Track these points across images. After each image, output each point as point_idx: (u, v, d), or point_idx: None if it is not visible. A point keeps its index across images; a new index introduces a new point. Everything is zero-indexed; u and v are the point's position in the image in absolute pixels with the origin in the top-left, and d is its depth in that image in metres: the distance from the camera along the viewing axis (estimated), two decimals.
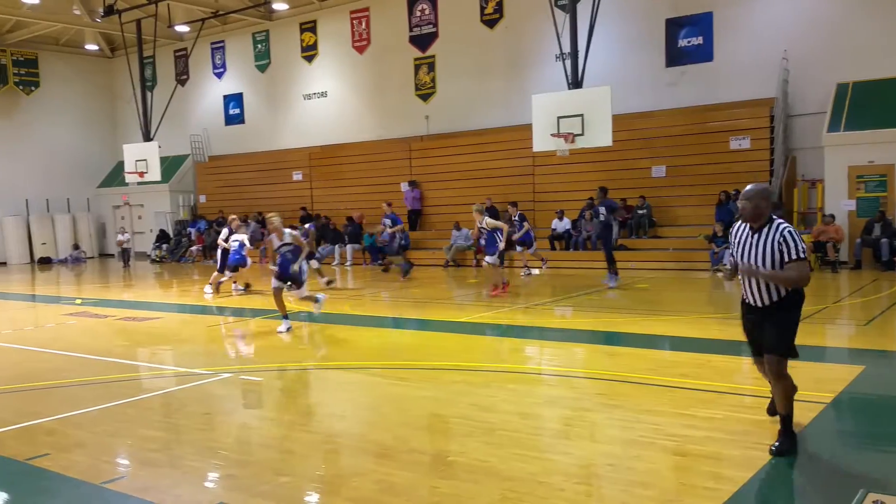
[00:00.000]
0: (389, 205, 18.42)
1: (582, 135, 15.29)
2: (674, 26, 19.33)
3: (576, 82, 16.05)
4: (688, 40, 19.19)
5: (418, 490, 4.64)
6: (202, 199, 29.09)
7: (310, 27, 25.94)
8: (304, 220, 24.49)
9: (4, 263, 28.46)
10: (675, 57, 19.37)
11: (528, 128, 16.86)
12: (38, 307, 16.29)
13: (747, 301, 5.26)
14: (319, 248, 23.39)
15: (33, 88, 29.80)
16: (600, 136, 15.18)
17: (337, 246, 22.50)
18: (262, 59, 27.38)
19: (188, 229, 27.72)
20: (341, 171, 25.03)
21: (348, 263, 21.68)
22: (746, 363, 7.20)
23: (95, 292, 17.79)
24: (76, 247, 29.03)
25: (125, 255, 25.89)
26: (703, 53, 19.04)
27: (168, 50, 29.01)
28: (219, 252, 15.80)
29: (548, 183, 20.74)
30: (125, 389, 7.76)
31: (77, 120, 31.19)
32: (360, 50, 24.77)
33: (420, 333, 10.76)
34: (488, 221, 14.08)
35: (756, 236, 5.07)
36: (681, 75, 19.41)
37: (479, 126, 22.32)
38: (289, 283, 10.74)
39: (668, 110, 19.47)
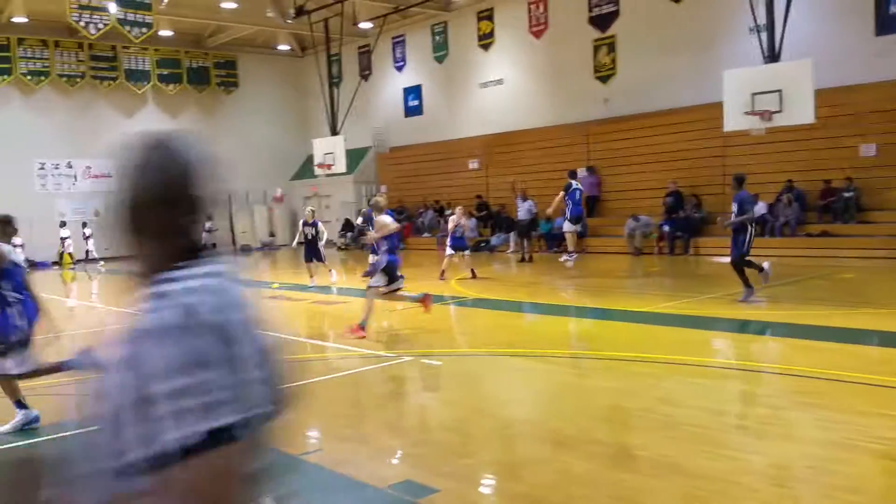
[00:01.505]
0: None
1: (780, 112, 14.21)
2: None
3: (772, 56, 14.94)
4: None
5: (601, 482, 4.50)
6: (383, 189, 30.22)
7: (487, 15, 26.07)
8: (479, 208, 24.79)
9: None
10: (886, 24, 17.49)
11: (717, 106, 15.92)
12: None
13: None
14: (493, 237, 23.55)
15: (233, 88, 32.28)
16: (801, 112, 14.04)
17: (512, 234, 22.51)
18: (440, 50, 27.90)
19: None
20: (517, 159, 25.00)
21: (525, 251, 21.62)
22: None
23: (289, 277, 18.98)
24: (272, 234, 31.27)
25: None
26: None
27: (352, 47, 30.30)
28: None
29: (741, 164, 19.43)
30: (318, 368, 8.18)
31: (271, 116, 33.40)
32: (538, 35, 24.55)
33: (600, 322, 10.49)
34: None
35: None
36: (893, 44, 17.51)
37: (663, 106, 21.40)
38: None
39: (879, 83, 17.62)
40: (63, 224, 26.60)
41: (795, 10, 14.95)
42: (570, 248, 15.88)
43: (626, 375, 7.15)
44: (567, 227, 16.12)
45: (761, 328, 9.42)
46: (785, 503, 4.17)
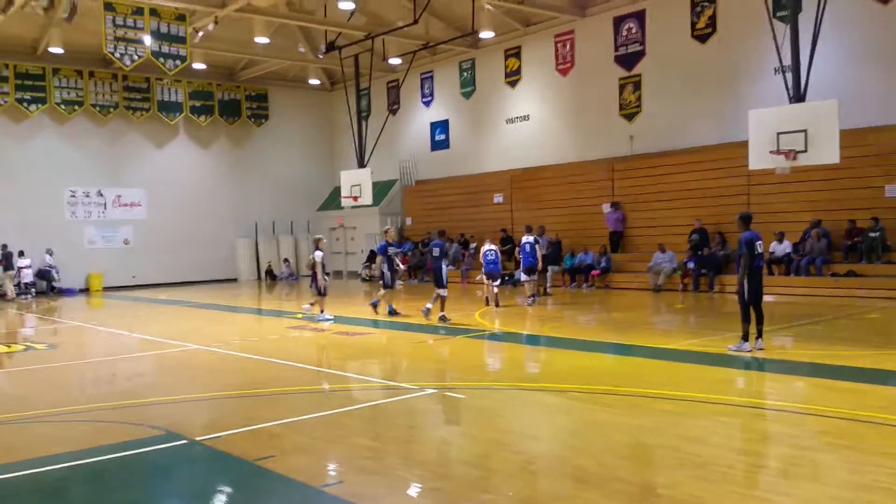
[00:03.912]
0: (530, 230, 18.33)
1: (805, 151, 14.19)
2: None
3: (797, 96, 14.96)
4: None
5: None
6: (409, 221, 30.40)
7: (514, 53, 26.39)
8: (503, 242, 24.82)
9: (236, 280, 31.44)
10: None
11: (742, 145, 15.92)
12: (263, 320, 17.77)
13: None
14: (517, 272, 23.55)
15: (263, 121, 32.80)
16: (826, 152, 14.00)
17: None
18: (468, 86, 28.22)
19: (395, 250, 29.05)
20: (541, 194, 25.10)
21: (548, 285, 21.59)
22: None
23: (314, 308, 19.08)
24: (286, 261, 31.42)
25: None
26: None
27: (381, 81, 30.76)
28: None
29: (765, 203, 19.43)
30: (339, 399, 8.22)
31: (300, 149, 33.90)
32: (564, 72, 24.78)
33: (624, 359, 10.44)
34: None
35: None
36: None
37: (688, 144, 21.44)
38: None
39: None
40: (21, 253, 25.62)
41: (821, 51, 14.99)
42: (528, 293, 17.58)
43: (651, 413, 7.11)
44: (522, 276, 17.87)
45: (787, 367, 9.31)
46: None
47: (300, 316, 16.72)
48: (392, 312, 15.81)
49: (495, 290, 16.95)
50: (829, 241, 18.00)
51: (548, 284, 20.23)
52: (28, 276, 25.70)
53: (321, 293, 15.86)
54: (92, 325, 16.97)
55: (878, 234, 17.21)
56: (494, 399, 8.24)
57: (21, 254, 25.54)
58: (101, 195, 28.73)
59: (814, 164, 14.49)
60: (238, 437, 6.59)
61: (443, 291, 14.78)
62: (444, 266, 15.08)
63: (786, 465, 5.49)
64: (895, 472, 5.08)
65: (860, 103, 17.39)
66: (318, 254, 15.86)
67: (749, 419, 7.01)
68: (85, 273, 27.86)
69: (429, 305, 14.82)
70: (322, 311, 15.92)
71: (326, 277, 16.30)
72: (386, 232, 16.95)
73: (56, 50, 24.86)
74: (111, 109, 28.46)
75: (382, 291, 16.54)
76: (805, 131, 14.15)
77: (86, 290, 27.61)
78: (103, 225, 28.65)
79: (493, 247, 17.32)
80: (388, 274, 16.40)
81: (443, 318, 14.50)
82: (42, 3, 19.55)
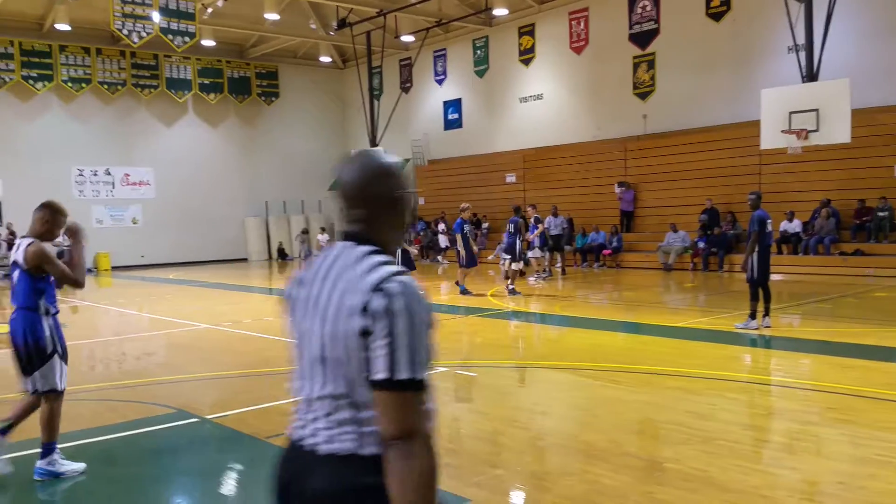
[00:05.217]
0: (534, 207, 18.46)
1: (817, 131, 14.19)
2: None
3: (811, 75, 14.92)
4: None
5: (631, 494, 4.60)
6: (421, 201, 30.46)
7: (528, 31, 26.27)
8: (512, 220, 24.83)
9: (246, 259, 31.57)
10: None
11: (754, 124, 15.92)
12: (274, 300, 17.95)
13: None
14: (529, 251, 23.62)
15: (273, 99, 32.74)
16: (838, 131, 13.99)
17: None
18: (481, 64, 28.13)
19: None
20: (554, 173, 25.11)
21: (558, 265, 21.69)
22: None
23: None
24: (304, 233, 31.22)
25: None
26: None
27: (394, 59, 30.68)
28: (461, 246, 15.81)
29: (776, 182, 19.41)
30: None
31: (311, 127, 33.81)
32: (578, 51, 24.68)
33: (633, 337, 10.56)
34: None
35: None
36: None
37: (701, 124, 21.39)
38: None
39: None
40: None
41: (834, 31, 14.93)
42: (510, 281, 15.78)
43: (660, 389, 7.23)
44: (529, 254, 17.61)
45: (794, 345, 9.41)
46: None
47: None
48: (464, 292, 15.50)
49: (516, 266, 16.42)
50: (838, 221, 18.01)
51: (558, 264, 20.31)
52: None
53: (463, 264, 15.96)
54: (101, 304, 17.15)
55: (886, 213, 17.19)
56: (506, 377, 8.38)
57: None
58: (110, 174, 28.70)
59: (825, 143, 14.49)
60: (249, 415, 6.68)
61: (517, 265, 15.55)
62: (518, 242, 15.62)
63: (790, 440, 5.61)
64: (894, 446, 5.20)
65: (872, 82, 17.30)
66: (464, 225, 15.94)
67: (755, 395, 7.13)
68: (93, 253, 27.82)
69: (511, 285, 15.37)
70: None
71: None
72: (463, 210, 16.40)
73: (62, 27, 24.63)
74: (119, 87, 28.33)
75: (460, 270, 16.09)
76: (817, 110, 14.15)
77: (93, 270, 27.74)
78: (111, 204, 28.68)
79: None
80: (463, 252, 15.83)
81: (512, 292, 15.20)
82: None
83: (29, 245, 4.96)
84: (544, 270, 18.47)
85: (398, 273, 1.80)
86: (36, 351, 4.99)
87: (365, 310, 1.76)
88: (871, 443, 5.32)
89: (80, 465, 5.22)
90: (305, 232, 31.27)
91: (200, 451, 5.90)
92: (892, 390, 6.72)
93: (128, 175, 29.06)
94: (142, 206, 29.28)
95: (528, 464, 5.34)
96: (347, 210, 1.94)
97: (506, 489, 4.87)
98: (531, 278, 18.01)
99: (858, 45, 17.92)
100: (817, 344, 9.30)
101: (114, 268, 28.01)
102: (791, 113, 14.48)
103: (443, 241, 26.28)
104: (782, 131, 14.60)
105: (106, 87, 28.13)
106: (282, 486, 1.94)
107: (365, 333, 1.76)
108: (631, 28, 22.91)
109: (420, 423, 1.77)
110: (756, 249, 10.05)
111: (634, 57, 22.90)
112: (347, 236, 1.93)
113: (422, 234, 27.60)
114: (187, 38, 24.83)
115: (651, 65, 22.53)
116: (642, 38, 22.65)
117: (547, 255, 19.04)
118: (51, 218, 5.08)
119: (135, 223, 29.21)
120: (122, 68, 28.43)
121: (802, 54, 14.95)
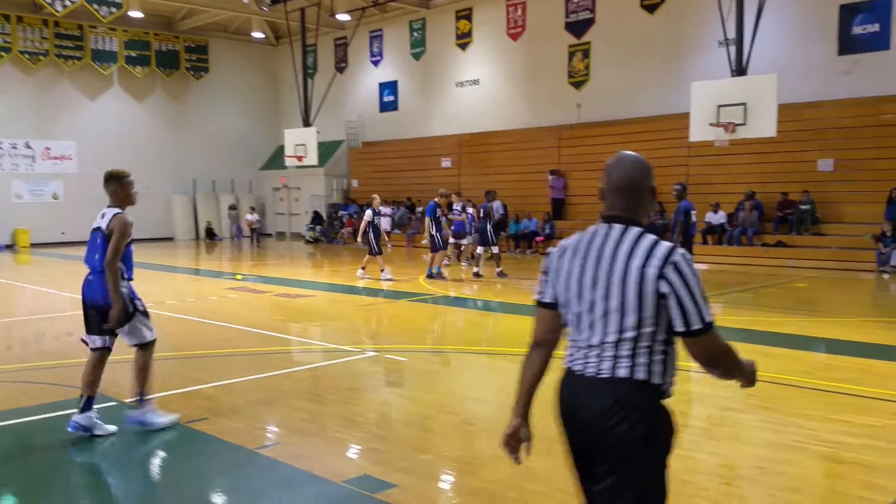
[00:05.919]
0: (459, 195, 18.48)
1: (744, 124, 14.56)
2: (848, 12, 17.95)
3: (740, 70, 15.28)
4: (863, 27, 17.80)
5: (556, 478, 4.61)
6: (355, 183, 30.17)
7: (465, 14, 26.18)
8: (450, 207, 24.83)
9: (172, 238, 30.75)
10: (849, 44, 18.01)
11: (684, 116, 16.24)
12: (201, 281, 17.52)
13: None
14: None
15: (203, 74, 31.87)
16: (764, 125, 14.38)
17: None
18: (418, 46, 27.94)
19: (340, 212, 28.85)
20: (489, 159, 25.17)
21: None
22: None
23: (254, 269, 18.88)
24: (232, 209, 30.79)
25: (255, 235, 26.94)
26: (880, 41, 17.56)
27: (329, 38, 30.20)
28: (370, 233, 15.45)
29: (704, 174, 19.90)
30: (279, 361, 8.21)
31: (242, 105, 33.10)
32: (515, 37, 24.73)
33: None
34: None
35: None
36: (854, 64, 18.01)
37: (633, 114, 21.73)
38: None
39: (840, 100, 18.13)
40: None
41: (764, 26, 15.30)
42: (476, 263, 16.12)
43: None
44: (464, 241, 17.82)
45: None
46: (732, 501, 4.33)
47: (239, 277, 16.53)
48: (435, 275, 15.34)
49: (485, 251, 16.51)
50: (762, 213, 18.59)
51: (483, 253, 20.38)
52: None
53: (373, 252, 15.45)
54: (18, 282, 16.45)
55: (808, 206, 17.83)
56: (436, 362, 8.34)
57: None
58: (30, 147, 27.68)
59: (752, 136, 14.88)
60: (171, 399, 6.48)
61: (494, 249, 15.76)
62: (489, 226, 15.77)
63: (710, 425, 5.73)
64: (812, 433, 5.36)
65: (799, 78, 17.86)
66: (369, 212, 15.47)
67: (679, 382, 7.26)
68: (11, 229, 26.87)
69: (476, 269, 15.64)
70: (382, 270, 15.39)
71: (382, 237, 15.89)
72: (444, 196, 16.13)
73: None
74: (41, 57, 27.25)
75: (429, 256, 15.69)
76: (745, 104, 14.49)
77: (12, 247, 26.66)
78: (31, 178, 27.65)
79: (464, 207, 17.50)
80: (436, 236, 15.40)
81: (501, 274, 15.61)
82: None
83: (115, 215, 5.61)
84: (472, 256, 18.50)
85: (675, 247, 2.45)
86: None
87: (661, 276, 2.38)
88: (789, 429, 5.47)
89: (175, 417, 5.71)
90: (233, 208, 30.64)
91: (118, 436, 5.65)
92: (811, 378, 6.94)
93: (49, 149, 27.97)
94: (63, 181, 28.18)
95: (456, 448, 5.31)
96: (618, 199, 2.54)
97: (433, 474, 4.83)
98: (464, 263, 18.05)
99: (787, 42, 18.46)
100: (739, 332, 9.55)
101: (33, 245, 26.96)
102: (720, 106, 14.80)
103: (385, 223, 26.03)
104: (710, 124, 14.92)
105: (27, 56, 26.96)
106: (565, 402, 2.67)
107: (660, 293, 2.38)
108: (567, 17, 23.07)
109: (723, 345, 2.48)
110: (681, 240, 10.26)
111: (570, 46, 23.09)
112: (617, 220, 2.50)
113: (354, 216, 27.33)
114: (114, 9, 23.89)
115: (586, 54, 22.76)
116: (578, 28, 22.84)
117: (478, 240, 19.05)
118: (118, 187, 5.78)
119: (55, 199, 28.11)
120: (45, 38, 27.29)
121: (732, 48, 15.29)
